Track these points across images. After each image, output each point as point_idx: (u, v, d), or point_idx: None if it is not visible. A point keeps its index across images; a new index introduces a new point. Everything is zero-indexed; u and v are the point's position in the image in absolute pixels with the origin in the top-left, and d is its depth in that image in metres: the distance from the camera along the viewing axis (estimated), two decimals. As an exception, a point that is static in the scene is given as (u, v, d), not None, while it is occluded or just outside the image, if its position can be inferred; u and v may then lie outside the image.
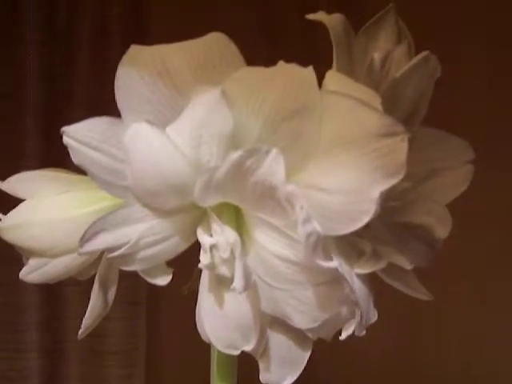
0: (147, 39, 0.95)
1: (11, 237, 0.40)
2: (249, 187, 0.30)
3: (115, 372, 0.92)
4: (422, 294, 0.37)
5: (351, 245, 0.34)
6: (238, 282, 0.31)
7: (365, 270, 0.34)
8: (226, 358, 0.39)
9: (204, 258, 0.33)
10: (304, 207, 0.29)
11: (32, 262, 0.40)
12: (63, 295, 0.91)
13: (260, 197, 0.31)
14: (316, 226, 0.29)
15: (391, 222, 0.36)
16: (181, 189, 0.32)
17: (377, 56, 0.33)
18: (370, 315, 0.34)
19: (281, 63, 0.31)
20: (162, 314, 0.97)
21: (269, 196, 0.30)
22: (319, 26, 0.34)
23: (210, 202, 0.33)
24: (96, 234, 0.33)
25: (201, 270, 0.41)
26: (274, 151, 0.29)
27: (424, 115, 0.37)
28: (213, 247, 0.32)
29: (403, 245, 0.36)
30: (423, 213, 0.37)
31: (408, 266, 0.35)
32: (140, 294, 0.91)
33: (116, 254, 0.34)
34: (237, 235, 0.32)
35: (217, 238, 0.32)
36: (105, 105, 0.91)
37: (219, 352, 0.39)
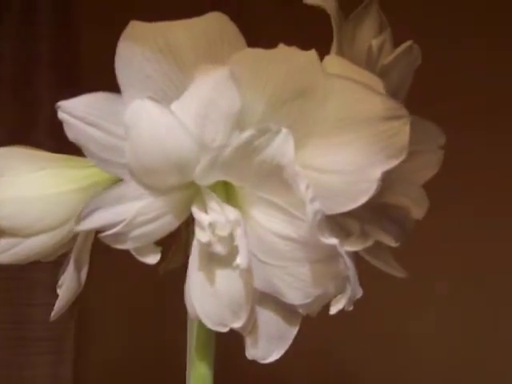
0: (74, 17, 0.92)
1: (-19, 216, 0.38)
2: (255, 166, 0.31)
3: (42, 359, 0.89)
4: (398, 271, 0.39)
5: (338, 224, 0.35)
6: (243, 259, 0.31)
7: (354, 248, 0.35)
8: (205, 338, 0.40)
9: (202, 236, 0.33)
10: (309, 186, 0.30)
11: (2, 243, 0.39)
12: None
13: (265, 175, 0.31)
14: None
15: (371, 203, 0.38)
16: (182, 167, 0.32)
17: (375, 43, 0.34)
18: (357, 291, 0.35)
19: (281, 46, 0.32)
20: (90, 300, 0.95)
21: (275, 175, 0.31)
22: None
23: (210, 180, 0.33)
24: (92, 211, 0.33)
25: (179, 249, 0.41)
26: (284, 131, 0.30)
27: (402, 102, 0.38)
28: (211, 225, 0.33)
29: (380, 225, 0.38)
30: (400, 194, 0.38)
31: (393, 244, 0.36)
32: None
33: (111, 232, 0.33)
34: (238, 213, 0.32)
35: (215, 216, 0.33)
36: (29, 86, 0.88)
37: (199, 332, 0.40)
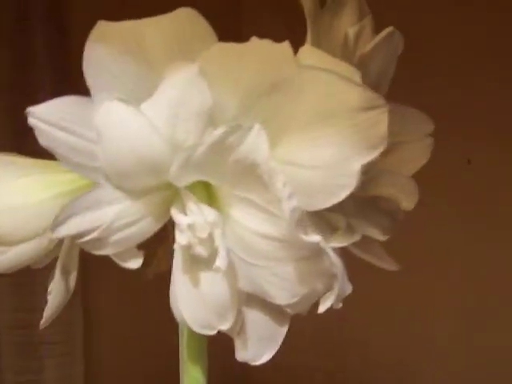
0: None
1: (-37, 226, 0.38)
2: (229, 165, 0.30)
3: (54, 361, 0.89)
4: (390, 264, 0.38)
5: (324, 220, 0.34)
6: (221, 261, 0.31)
7: (340, 243, 0.34)
8: (196, 341, 0.39)
9: (181, 239, 0.32)
10: (286, 183, 0.29)
11: (-14, 252, 0.39)
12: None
13: (241, 174, 0.30)
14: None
15: (357, 196, 0.37)
16: (156, 168, 0.31)
17: (351, 31, 0.33)
18: (346, 287, 0.34)
19: (254, 39, 0.31)
20: (97, 302, 0.96)
21: (250, 173, 0.30)
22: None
23: (186, 180, 0.32)
24: (67, 218, 0.32)
25: (165, 252, 0.41)
26: (256, 127, 0.29)
27: (386, 91, 0.37)
28: (190, 227, 0.32)
29: (368, 218, 0.37)
30: (388, 185, 0.37)
31: (382, 238, 0.35)
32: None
33: (88, 238, 0.33)
34: (217, 214, 0.32)
35: (194, 218, 0.32)
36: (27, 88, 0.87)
37: (189, 335, 0.39)
